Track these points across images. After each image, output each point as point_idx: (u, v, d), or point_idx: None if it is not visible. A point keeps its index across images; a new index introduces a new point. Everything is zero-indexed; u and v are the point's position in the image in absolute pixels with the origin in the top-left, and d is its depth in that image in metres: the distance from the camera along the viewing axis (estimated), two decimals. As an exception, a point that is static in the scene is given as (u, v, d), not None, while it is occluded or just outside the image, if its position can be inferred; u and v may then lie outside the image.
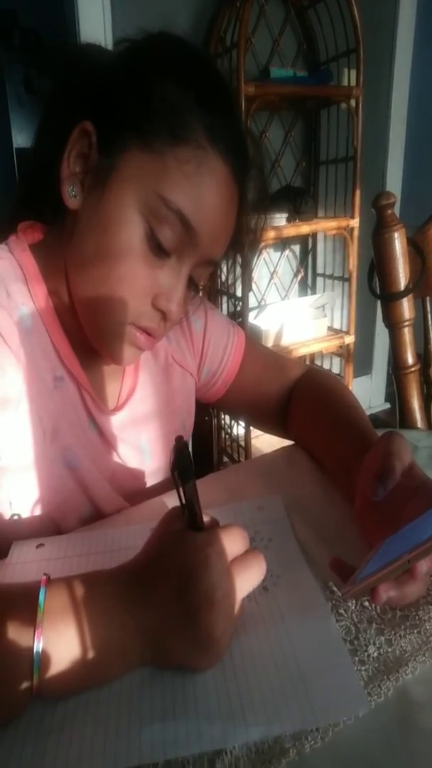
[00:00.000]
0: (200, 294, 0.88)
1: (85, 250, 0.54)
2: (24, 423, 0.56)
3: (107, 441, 0.64)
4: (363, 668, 0.40)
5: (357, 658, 0.41)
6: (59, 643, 0.36)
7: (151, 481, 0.70)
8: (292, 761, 0.34)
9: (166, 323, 0.57)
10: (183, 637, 0.38)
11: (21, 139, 3.71)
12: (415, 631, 0.43)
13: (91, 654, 0.37)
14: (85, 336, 0.59)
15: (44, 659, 0.36)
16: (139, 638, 0.38)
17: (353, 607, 0.45)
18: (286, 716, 0.36)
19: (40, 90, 3.48)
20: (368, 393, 2.74)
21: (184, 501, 0.41)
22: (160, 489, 0.69)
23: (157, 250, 0.52)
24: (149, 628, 0.38)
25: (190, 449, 0.95)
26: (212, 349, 0.76)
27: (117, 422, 0.65)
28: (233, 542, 0.41)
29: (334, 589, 0.47)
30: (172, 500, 0.62)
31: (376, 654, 0.41)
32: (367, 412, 2.91)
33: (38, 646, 0.35)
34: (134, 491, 0.67)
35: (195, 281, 0.58)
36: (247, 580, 0.41)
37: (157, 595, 0.39)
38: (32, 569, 0.51)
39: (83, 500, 0.61)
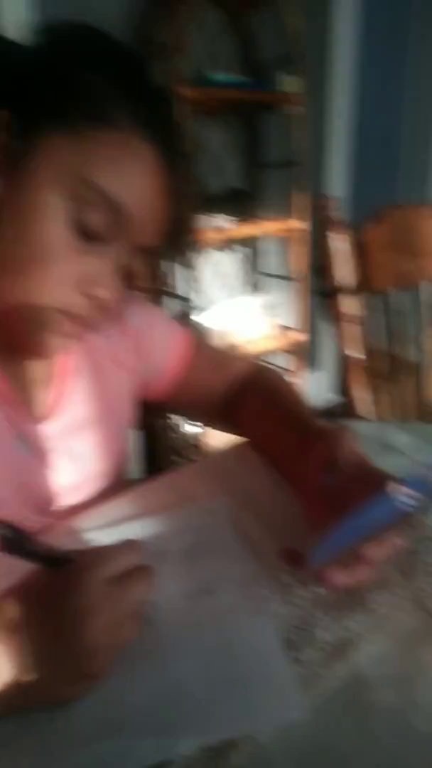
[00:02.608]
0: (141, 293, 0.88)
1: (7, 243, 0.51)
2: None
3: (39, 455, 0.61)
4: (315, 654, 0.41)
5: (308, 643, 0.41)
6: None
7: (89, 490, 0.67)
8: (248, 753, 0.34)
9: (99, 312, 0.54)
10: (54, 666, 0.36)
11: None
12: (366, 613, 0.44)
13: None
14: (7, 341, 0.56)
15: None
16: (6, 677, 0.36)
17: (306, 595, 0.46)
18: (220, 724, 0.36)
19: None
20: (316, 387, 2.80)
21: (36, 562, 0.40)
22: (98, 498, 0.66)
23: (84, 235, 0.50)
24: (7, 670, 0.36)
25: (141, 450, 0.93)
26: (155, 348, 0.74)
27: (50, 431, 0.62)
28: (111, 559, 0.40)
29: (285, 578, 0.47)
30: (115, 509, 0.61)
31: (328, 639, 0.42)
32: (318, 406, 2.97)
33: None
34: (72, 508, 0.64)
35: (129, 270, 0.55)
36: (130, 594, 0.39)
37: (17, 635, 0.37)
38: None
39: None
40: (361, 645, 0.41)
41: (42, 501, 0.62)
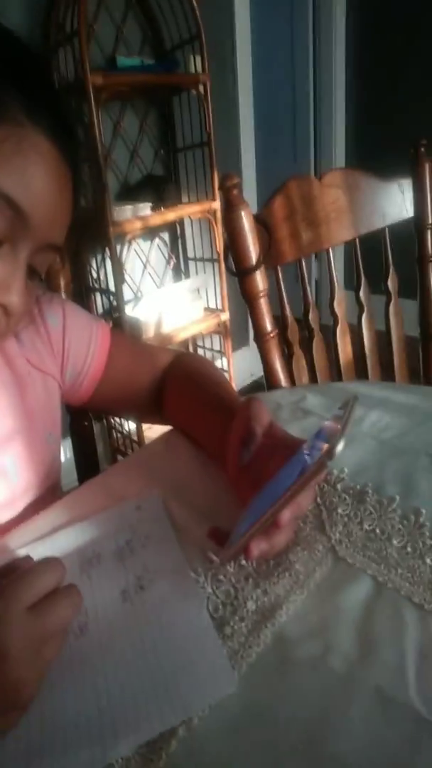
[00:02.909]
0: (61, 292, 0.86)
1: None
2: None
3: None
4: (243, 624, 0.42)
5: (237, 616, 0.43)
6: None
7: (21, 504, 0.66)
8: (184, 738, 0.35)
9: (9, 318, 0.53)
10: None
11: None
12: (287, 574, 0.46)
13: None
14: None
15: None
16: None
17: (231, 570, 0.48)
18: (155, 717, 0.36)
19: None
20: (248, 363, 2.83)
21: None
22: (31, 511, 0.65)
23: None
24: None
25: (72, 457, 0.90)
26: (74, 347, 0.72)
27: None
28: (29, 584, 0.39)
29: (212, 557, 0.49)
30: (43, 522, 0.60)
31: (254, 607, 0.44)
32: (249, 380, 3.01)
33: None
34: (4, 525, 0.63)
35: (37, 270, 0.54)
36: (52, 618, 0.39)
37: None
38: None
39: None
40: (284, 606, 0.43)
41: None
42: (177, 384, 0.76)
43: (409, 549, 0.48)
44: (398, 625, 0.41)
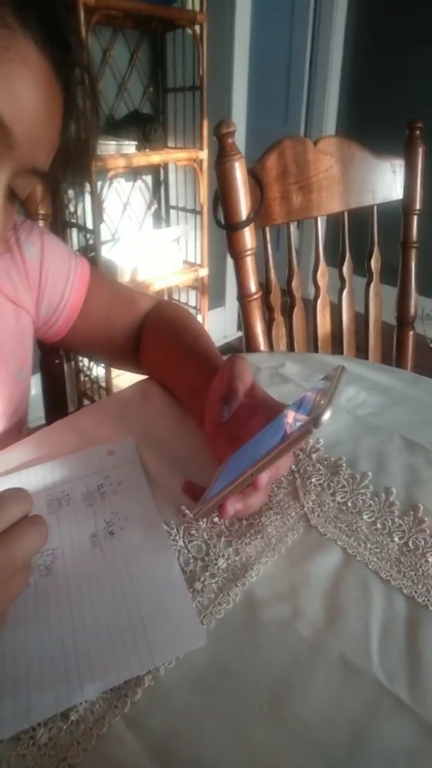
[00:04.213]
0: (38, 221, 0.82)
1: None
2: None
3: None
4: (213, 581, 0.43)
5: (208, 572, 0.43)
6: None
7: None
8: (149, 687, 0.35)
9: None
10: None
11: None
12: (259, 536, 0.47)
13: None
14: None
15: None
16: None
17: (204, 526, 0.48)
18: (122, 665, 0.36)
19: None
20: (222, 323, 2.82)
21: None
22: (3, 441, 0.64)
23: None
24: None
25: (38, 393, 0.88)
26: (51, 282, 0.69)
27: None
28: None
29: (186, 511, 0.49)
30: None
31: (225, 565, 0.44)
32: (222, 342, 3.00)
33: None
34: None
35: (18, 193, 0.50)
36: (18, 548, 0.37)
37: None
38: None
39: None
40: (254, 567, 0.44)
41: None
42: (156, 332, 0.74)
43: (378, 525, 0.48)
44: (364, 597, 0.42)
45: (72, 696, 0.34)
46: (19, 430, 0.70)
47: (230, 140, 0.82)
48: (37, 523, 0.39)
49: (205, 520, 0.48)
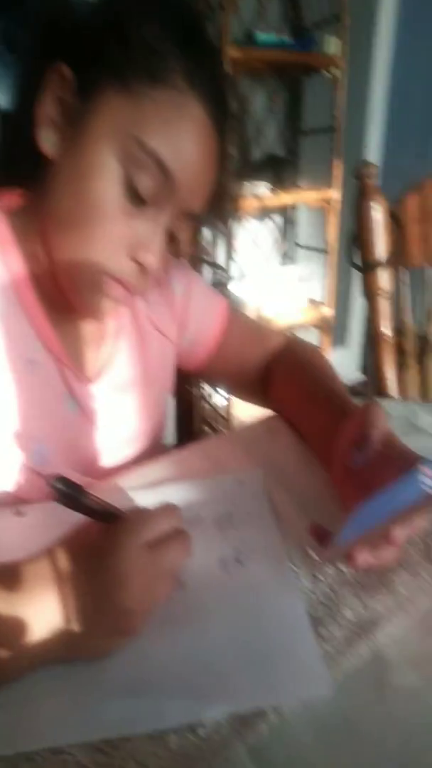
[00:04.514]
0: (181, 259, 0.87)
1: (62, 200, 0.52)
2: None
3: (86, 414, 0.63)
4: (339, 631, 0.41)
5: (334, 621, 0.42)
6: None
7: (129, 451, 0.70)
8: (273, 723, 0.35)
9: (145, 277, 0.54)
10: (95, 621, 0.38)
11: (3, 100, 3.65)
12: (389, 594, 0.44)
13: None
14: (63, 300, 0.57)
15: None
16: (44, 632, 0.37)
17: (330, 571, 0.46)
18: (247, 693, 0.36)
19: (24, 48, 3.36)
20: (344, 364, 2.76)
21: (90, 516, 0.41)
22: (136, 459, 0.69)
23: (135, 198, 0.50)
24: (55, 620, 0.38)
25: (173, 417, 0.94)
26: (194, 316, 0.75)
27: (97, 391, 0.64)
28: (152, 522, 0.42)
29: (312, 554, 0.48)
30: (154, 471, 0.62)
31: (352, 617, 0.42)
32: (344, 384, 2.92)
33: None
34: (111, 467, 0.67)
35: (175, 236, 0.55)
36: (167, 558, 0.41)
37: (65, 586, 0.38)
38: (12, 538, 0.51)
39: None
40: (383, 625, 0.41)
41: (86, 459, 0.65)
42: (286, 370, 0.75)
43: None
44: None
45: (200, 710, 0.35)
46: (156, 447, 0.75)
47: (370, 180, 0.82)
48: (184, 538, 0.43)
49: (331, 565, 0.47)
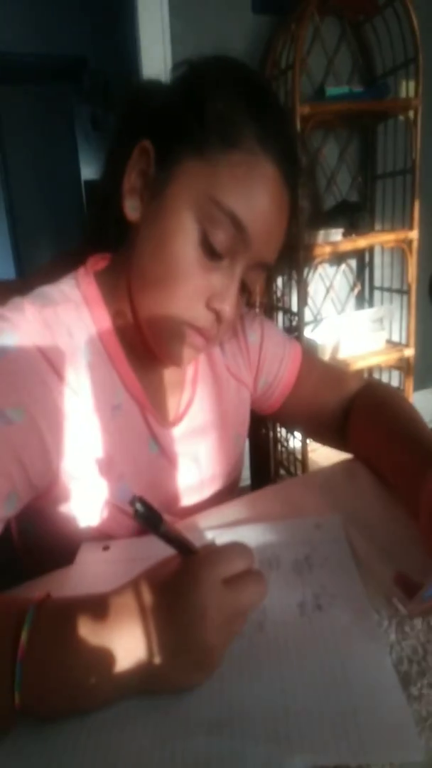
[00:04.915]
0: (256, 308, 0.89)
1: (144, 260, 0.56)
2: (81, 460, 0.58)
3: (167, 456, 0.66)
4: (429, 691, 0.38)
5: (425, 680, 0.39)
6: (44, 661, 0.37)
7: (207, 491, 0.71)
8: None
9: (220, 325, 0.57)
10: (176, 654, 0.38)
11: (88, 172, 4.02)
12: None
13: (74, 675, 0.37)
14: (146, 350, 0.61)
15: (27, 676, 0.36)
16: (128, 661, 0.38)
17: (420, 627, 0.43)
18: (332, 747, 0.34)
19: (105, 126, 3.69)
20: (429, 407, 2.66)
21: (166, 542, 0.42)
22: (214, 500, 0.71)
23: (211, 253, 0.53)
24: (139, 650, 0.38)
25: (247, 460, 0.96)
26: (268, 362, 0.77)
27: (177, 434, 0.66)
28: (229, 560, 0.42)
29: (399, 606, 0.45)
30: (230, 511, 0.62)
31: (445, 675, 0.39)
32: (430, 425, 2.80)
33: (19, 662, 0.36)
34: (190, 507, 0.69)
35: (248, 286, 0.58)
36: (243, 596, 0.41)
37: (148, 618, 0.39)
38: (99, 571, 0.52)
39: (136, 528, 0.61)
40: None
41: (167, 498, 0.67)
42: (366, 413, 0.74)
43: None
44: None
45: (283, 761, 0.34)
46: (232, 489, 0.76)
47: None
48: (261, 580, 0.42)
49: (420, 620, 0.44)
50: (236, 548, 0.43)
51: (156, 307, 0.56)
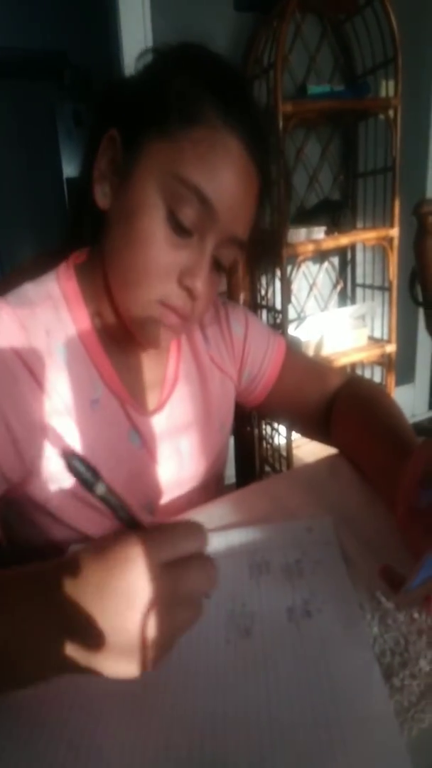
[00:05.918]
0: (238, 301, 0.89)
1: (116, 243, 0.56)
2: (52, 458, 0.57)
3: (148, 446, 0.65)
4: (414, 682, 0.39)
5: (407, 671, 0.39)
6: None
7: (190, 484, 0.71)
8: None
9: (195, 303, 0.57)
10: (98, 641, 0.33)
11: (70, 169, 3.99)
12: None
13: None
14: (125, 338, 0.61)
15: None
16: (50, 640, 0.34)
17: (402, 618, 0.44)
18: (317, 759, 0.34)
19: (88, 122, 3.64)
20: (411, 402, 2.69)
21: (106, 506, 0.36)
22: (197, 493, 0.71)
23: (179, 230, 0.54)
24: (61, 630, 0.34)
25: (232, 458, 0.95)
26: (252, 355, 0.77)
27: (158, 423, 0.66)
28: (173, 541, 0.35)
29: (382, 599, 0.46)
30: (213, 512, 0.62)
31: (428, 668, 0.40)
32: (410, 421, 2.86)
33: None
34: (174, 500, 0.68)
35: (222, 263, 0.59)
36: (183, 583, 0.35)
37: (78, 596, 0.34)
38: None
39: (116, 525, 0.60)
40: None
41: (149, 492, 0.66)
42: (348, 407, 0.74)
43: None
44: None
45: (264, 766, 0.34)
46: (217, 482, 0.76)
47: (430, 218, 0.82)
48: (207, 565, 0.36)
49: (403, 612, 0.45)
50: (184, 527, 0.37)
51: (129, 288, 0.57)
